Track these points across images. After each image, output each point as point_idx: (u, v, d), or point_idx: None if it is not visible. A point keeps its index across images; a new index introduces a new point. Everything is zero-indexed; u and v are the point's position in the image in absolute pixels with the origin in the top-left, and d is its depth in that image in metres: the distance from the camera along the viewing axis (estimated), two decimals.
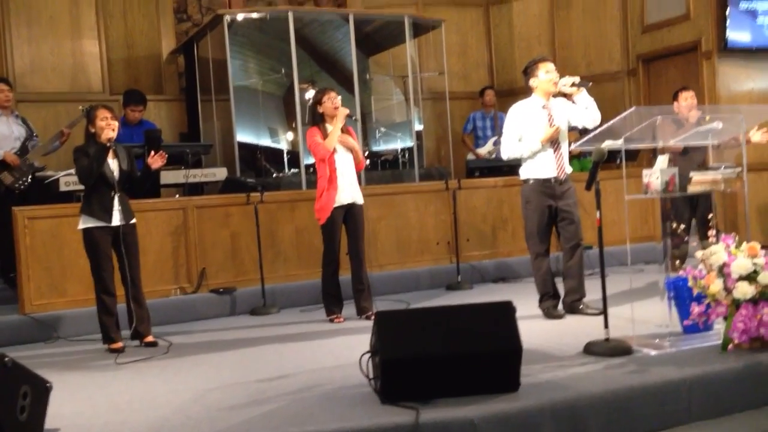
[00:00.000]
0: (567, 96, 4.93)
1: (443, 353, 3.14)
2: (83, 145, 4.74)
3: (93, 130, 4.71)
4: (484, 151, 8.46)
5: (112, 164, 4.74)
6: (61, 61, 8.24)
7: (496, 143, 8.40)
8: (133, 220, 4.83)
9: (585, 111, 4.84)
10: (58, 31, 8.24)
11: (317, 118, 5.30)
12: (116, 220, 4.69)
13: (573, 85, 4.77)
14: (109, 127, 4.66)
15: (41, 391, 3.08)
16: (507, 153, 4.99)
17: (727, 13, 7.72)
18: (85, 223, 4.69)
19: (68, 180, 6.06)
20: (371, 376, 3.30)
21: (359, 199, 5.32)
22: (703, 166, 4.53)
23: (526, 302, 5.05)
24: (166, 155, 4.93)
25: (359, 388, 3.37)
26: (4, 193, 6.11)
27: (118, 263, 4.78)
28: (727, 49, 7.82)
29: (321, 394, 3.38)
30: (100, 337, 4.80)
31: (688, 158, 5.32)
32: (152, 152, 4.87)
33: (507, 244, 7.12)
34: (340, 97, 5.33)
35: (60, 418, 3.25)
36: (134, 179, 4.87)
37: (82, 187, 5.97)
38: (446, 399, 3.10)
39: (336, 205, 5.20)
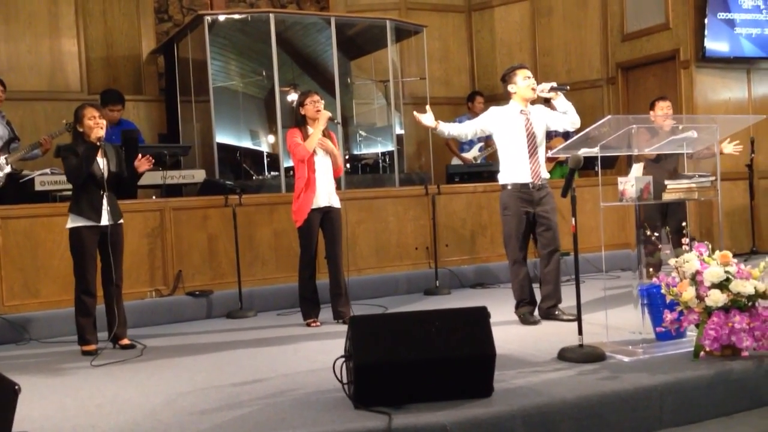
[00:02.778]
0: (546, 102, 4.97)
1: (417, 358, 3.14)
2: (71, 144, 4.70)
3: (81, 130, 4.66)
4: (470, 155, 8.48)
5: (101, 163, 4.70)
6: (39, 59, 8.16)
7: (482, 149, 8.44)
8: (121, 220, 4.80)
9: (564, 115, 4.89)
10: (37, 30, 8.15)
11: (299, 120, 5.29)
12: (105, 219, 4.65)
13: (551, 89, 4.81)
14: (98, 126, 4.63)
15: (9, 393, 3.03)
16: (450, 127, 5.01)
17: (706, 22, 7.81)
18: (73, 222, 4.64)
19: (43, 180, 6.00)
20: (345, 380, 3.29)
21: (336, 203, 5.32)
22: (674, 174, 4.58)
23: (502, 308, 5.07)
24: (153, 159, 4.90)
25: (333, 392, 3.36)
26: None
27: (101, 263, 4.73)
28: (705, 59, 7.91)
29: (294, 399, 3.36)
30: (73, 339, 4.76)
31: (660, 166, 5.39)
32: (139, 155, 4.84)
33: (486, 250, 7.14)
34: (323, 101, 5.32)
35: (29, 421, 3.21)
36: (122, 180, 4.83)
37: (58, 186, 5.97)
38: (419, 404, 3.09)
39: (313, 206, 5.19)
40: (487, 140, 7.96)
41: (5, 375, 3.06)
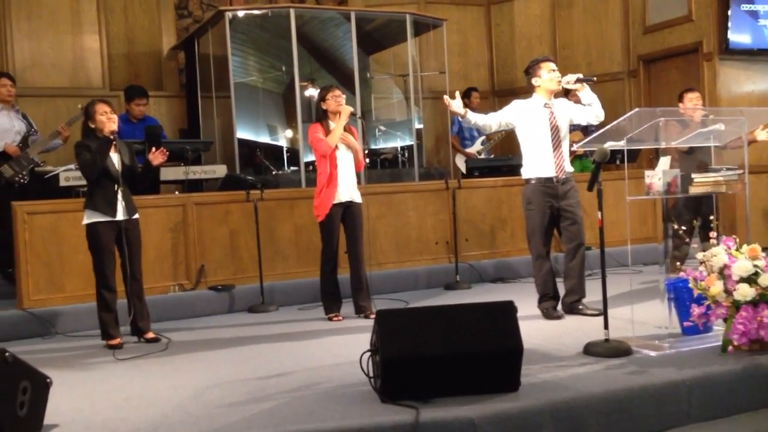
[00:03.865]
0: (571, 94, 4.92)
1: (444, 352, 3.14)
2: (83, 140, 4.73)
3: (92, 126, 4.70)
4: (473, 150, 8.45)
5: (114, 158, 4.73)
6: (61, 56, 8.23)
7: (484, 143, 8.41)
8: (137, 215, 4.83)
9: (588, 108, 4.85)
10: (59, 26, 8.22)
11: (320, 115, 5.30)
12: (120, 214, 4.68)
13: (577, 81, 4.77)
14: (110, 121, 4.66)
15: (41, 386, 3.08)
16: (477, 117, 4.92)
17: (729, 14, 7.72)
18: (89, 218, 4.68)
19: (68, 175, 6.06)
20: (371, 374, 3.30)
21: (357, 198, 5.32)
22: (705, 166, 4.52)
23: (525, 302, 5.04)
24: (168, 152, 4.93)
25: (358, 386, 3.37)
26: (4, 187, 6.10)
27: (120, 258, 4.77)
28: (728, 51, 7.82)
29: (320, 392, 3.38)
30: (99, 333, 4.80)
31: (692, 158, 5.32)
32: (153, 148, 4.87)
33: (506, 244, 7.12)
34: (344, 96, 5.32)
35: (59, 414, 3.24)
36: (135, 174, 4.86)
37: (82, 182, 6.01)
38: (446, 398, 3.10)
39: (335, 201, 5.20)
40: (488, 135, 7.94)
41: (36, 368, 3.10)
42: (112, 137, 4.65)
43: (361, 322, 5.10)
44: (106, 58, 8.42)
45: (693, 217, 4.84)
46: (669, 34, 8.38)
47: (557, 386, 3.25)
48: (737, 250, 3.68)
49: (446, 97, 4.76)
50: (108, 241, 4.68)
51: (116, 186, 4.68)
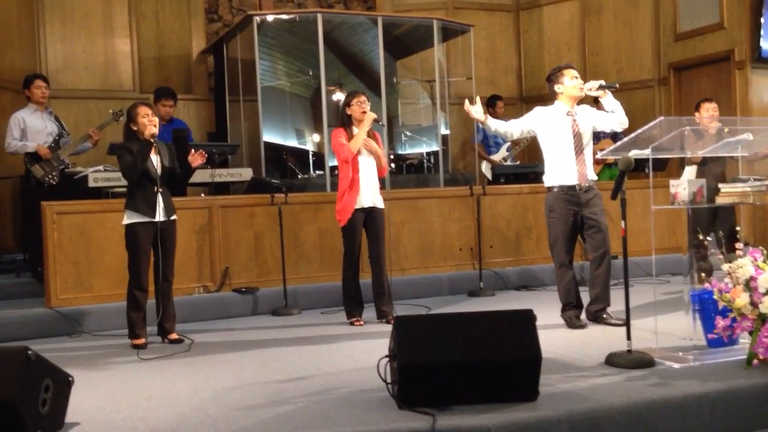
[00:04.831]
0: (594, 102, 4.88)
1: (462, 360, 3.12)
2: (124, 142, 4.81)
3: (134, 128, 4.78)
4: (498, 157, 8.41)
5: (155, 160, 4.81)
6: (93, 59, 8.38)
7: (509, 149, 8.36)
8: (174, 216, 4.90)
9: (612, 115, 4.80)
10: (91, 30, 8.38)
11: (345, 120, 5.32)
12: (160, 215, 4.75)
13: (599, 87, 4.73)
14: (151, 123, 4.74)
15: (63, 384, 3.13)
16: (498, 123, 4.89)
17: (762, 22, 7.60)
18: (130, 218, 4.75)
19: (97, 176, 6.15)
20: (389, 380, 3.30)
21: (380, 203, 5.33)
22: (721, 177, 4.46)
23: (548, 310, 5.01)
24: (206, 154, 4.99)
25: (377, 392, 3.36)
26: (34, 187, 6.22)
27: (154, 258, 4.83)
28: (761, 59, 7.71)
29: (339, 397, 3.38)
30: (124, 332, 4.87)
31: (707, 169, 5.26)
32: (192, 150, 4.94)
33: (531, 252, 7.07)
34: (369, 102, 5.34)
35: (81, 412, 3.29)
36: (175, 176, 4.93)
37: (110, 183, 6.12)
38: (463, 406, 3.08)
39: (357, 207, 5.21)
40: (513, 141, 7.89)
41: (59, 367, 3.15)
42: (152, 140, 4.73)
43: (382, 327, 5.10)
44: (137, 61, 8.57)
45: (710, 228, 4.77)
46: (700, 41, 8.27)
47: (577, 397, 3.21)
48: (764, 261, 3.61)
49: (467, 102, 4.74)
50: (146, 242, 4.75)
51: (156, 188, 4.76)
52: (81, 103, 8.16)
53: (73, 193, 6.13)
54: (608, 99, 4.80)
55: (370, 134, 5.32)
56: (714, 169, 5.29)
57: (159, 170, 4.79)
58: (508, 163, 8.35)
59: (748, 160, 4.60)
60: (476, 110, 4.70)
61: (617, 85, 4.86)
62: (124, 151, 4.72)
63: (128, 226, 4.76)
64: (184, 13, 8.96)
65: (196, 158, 4.90)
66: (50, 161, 6.26)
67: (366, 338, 4.81)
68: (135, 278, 4.76)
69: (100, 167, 6.29)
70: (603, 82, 4.78)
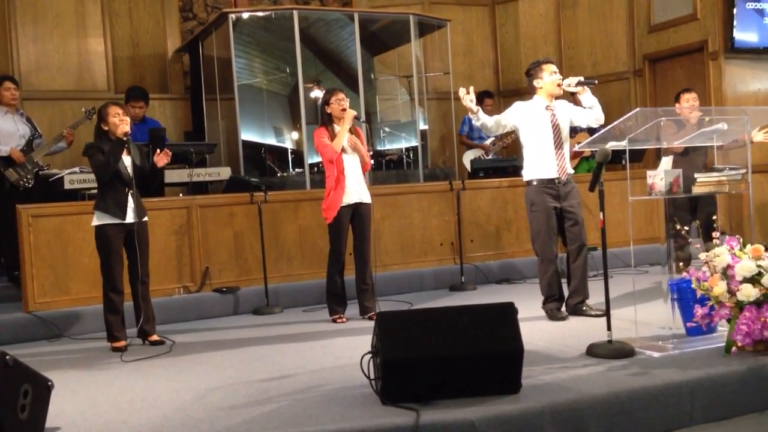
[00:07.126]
0: (572, 97, 4.91)
1: (444, 354, 3.13)
2: (95, 142, 4.75)
3: (105, 128, 4.72)
4: (487, 142, 8.45)
5: (127, 161, 4.76)
6: (66, 59, 8.26)
7: (494, 144, 8.40)
8: (146, 218, 4.85)
9: (589, 111, 4.84)
10: (64, 30, 8.25)
11: (325, 119, 5.30)
12: (130, 217, 4.70)
13: (578, 84, 4.76)
14: (123, 122, 4.69)
15: (42, 389, 3.09)
16: (485, 117, 4.86)
17: (734, 12, 7.68)
18: (99, 219, 4.70)
19: (72, 178, 6.08)
20: (372, 376, 3.30)
21: (366, 198, 5.32)
22: (703, 168, 4.50)
23: (529, 303, 5.04)
24: (171, 153, 4.95)
25: (360, 388, 3.36)
26: (9, 191, 6.14)
27: (128, 261, 4.79)
28: (734, 50, 7.79)
29: (321, 395, 3.38)
30: (103, 335, 4.82)
31: (688, 159, 5.31)
32: (157, 150, 4.89)
33: (511, 245, 7.10)
34: (348, 99, 5.32)
35: (61, 417, 3.25)
36: (144, 176, 4.88)
37: (86, 185, 6.05)
38: (447, 400, 3.09)
39: (343, 204, 5.20)
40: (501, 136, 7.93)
41: (38, 371, 3.11)
42: (125, 139, 4.68)
43: (365, 323, 5.10)
44: (111, 61, 8.45)
45: (692, 218, 4.82)
46: (674, 33, 8.34)
47: (559, 388, 3.23)
48: (741, 250, 3.66)
49: (462, 90, 4.71)
50: (117, 243, 4.70)
51: (127, 188, 4.71)
52: (55, 104, 8.04)
53: (48, 195, 6.05)
54: (587, 95, 4.82)
55: (352, 130, 5.31)
56: (695, 159, 5.32)
57: (130, 170, 4.75)
58: (491, 156, 8.39)
59: (728, 149, 4.65)
60: (470, 99, 4.68)
61: (596, 81, 4.89)
62: (96, 150, 4.67)
63: (98, 228, 4.70)
64: (158, 12, 8.86)
65: (161, 158, 4.86)
66: (24, 164, 6.18)
67: (349, 335, 4.80)
68: (109, 280, 4.71)
69: (76, 169, 6.21)
70: (582, 79, 4.81)
